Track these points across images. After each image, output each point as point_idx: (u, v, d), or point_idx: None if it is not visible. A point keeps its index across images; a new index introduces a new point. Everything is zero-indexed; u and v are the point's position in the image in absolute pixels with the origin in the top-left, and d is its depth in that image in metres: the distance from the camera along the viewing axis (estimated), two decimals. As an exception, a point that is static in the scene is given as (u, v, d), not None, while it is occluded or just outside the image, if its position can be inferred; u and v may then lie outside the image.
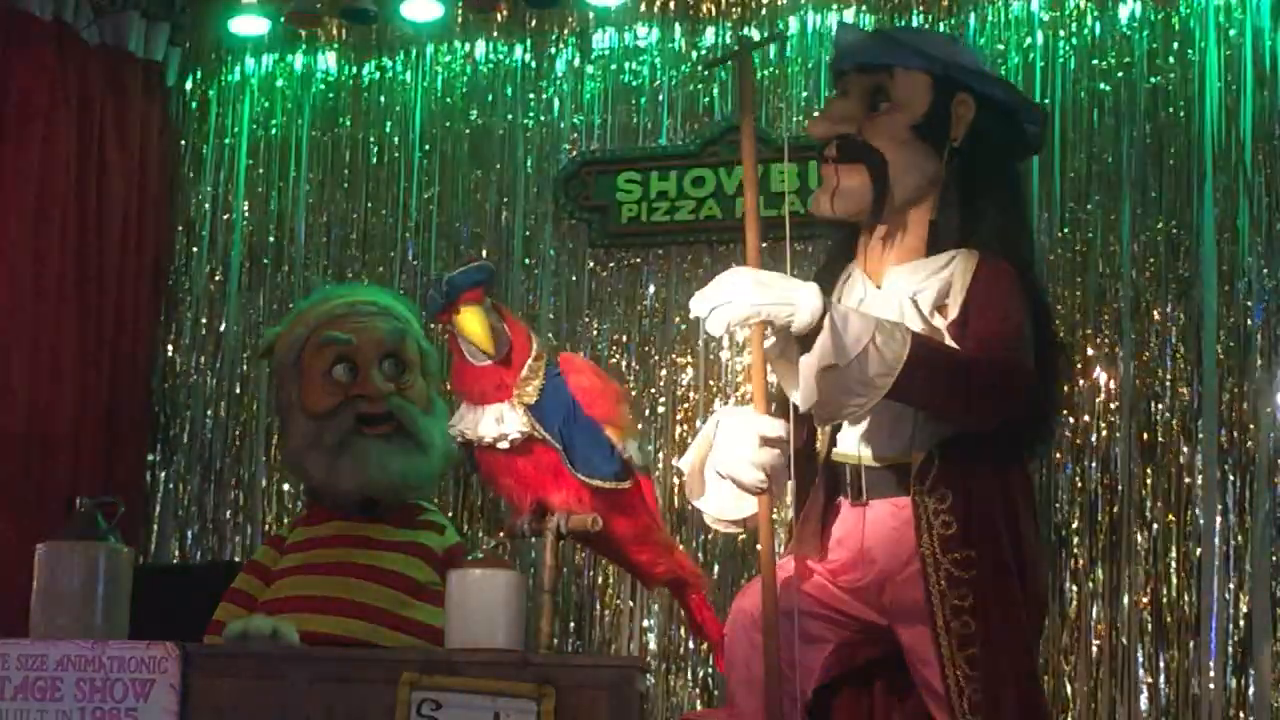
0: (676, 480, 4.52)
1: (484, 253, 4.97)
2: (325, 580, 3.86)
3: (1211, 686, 4.21)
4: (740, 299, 2.95)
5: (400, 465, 3.92)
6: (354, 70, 5.26)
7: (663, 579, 3.70)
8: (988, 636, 3.06)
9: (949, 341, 3.14)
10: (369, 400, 3.96)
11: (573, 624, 4.70)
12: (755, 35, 4.81)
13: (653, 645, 4.53)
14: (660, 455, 4.70)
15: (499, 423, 3.44)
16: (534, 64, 5.11)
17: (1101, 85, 4.57)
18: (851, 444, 3.29)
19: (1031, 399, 3.12)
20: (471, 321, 3.42)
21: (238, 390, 5.15)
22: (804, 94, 4.86)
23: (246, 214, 5.27)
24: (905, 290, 3.24)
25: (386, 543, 3.94)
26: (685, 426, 4.72)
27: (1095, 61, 4.59)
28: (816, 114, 3.47)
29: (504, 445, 3.44)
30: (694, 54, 4.98)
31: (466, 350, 3.47)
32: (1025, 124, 3.40)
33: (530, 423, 3.41)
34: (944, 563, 3.10)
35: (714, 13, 4.98)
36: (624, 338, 4.88)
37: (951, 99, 3.31)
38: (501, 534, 3.56)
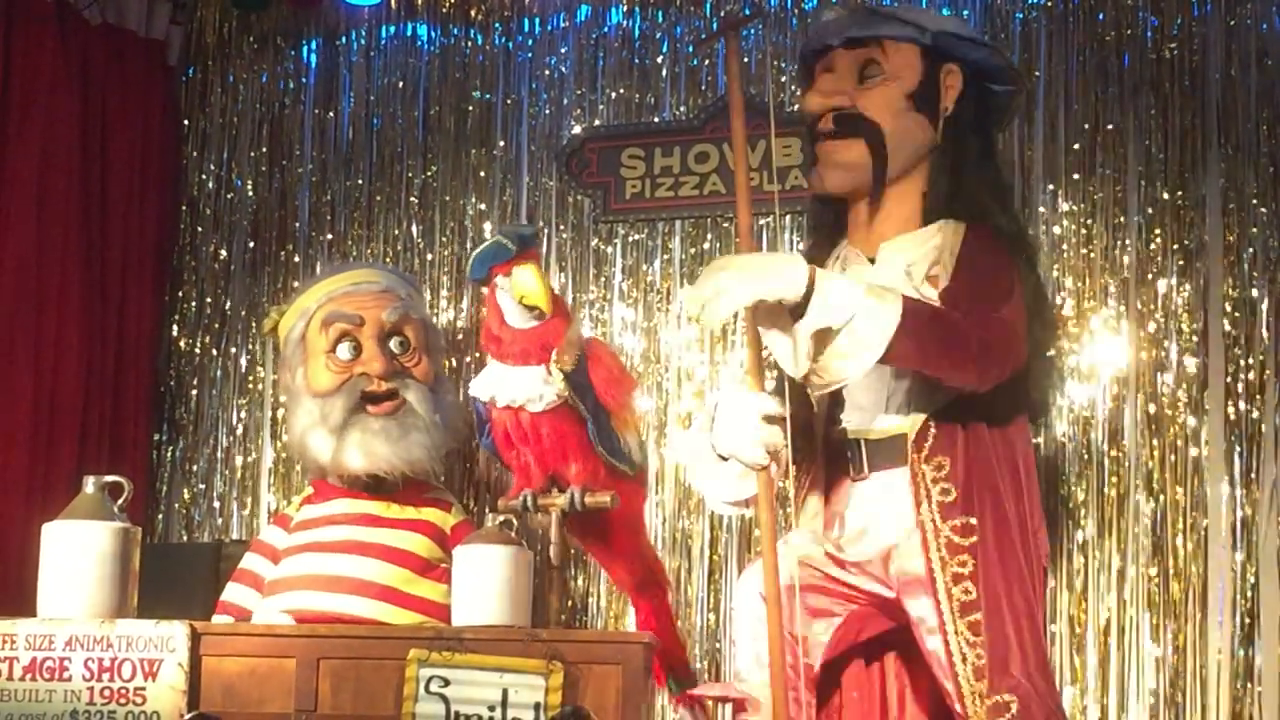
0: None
1: (487, 230, 4.96)
2: (334, 559, 3.86)
3: (1219, 658, 4.21)
4: (729, 289, 2.95)
5: (404, 444, 3.91)
6: (355, 47, 5.24)
7: (641, 572, 3.73)
8: (990, 603, 3.07)
9: None
10: (373, 379, 3.95)
11: (579, 599, 4.70)
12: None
13: (659, 620, 4.52)
14: (668, 430, 4.70)
15: (545, 382, 3.46)
16: (538, 39, 5.09)
17: (1106, 56, 4.55)
18: (849, 418, 3.29)
19: (1021, 359, 3.14)
20: (533, 276, 3.44)
21: (243, 369, 5.15)
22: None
23: (250, 192, 5.26)
24: (900, 263, 3.25)
25: (394, 520, 3.94)
26: (690, 401, 4.71)
27: (1100, 31, 4.56)
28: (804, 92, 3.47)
29: (536, 407, 3.46)
30: (699, 24, 4.96)
31: (513, 308, 3.49)
32: (996, 87, 3.41)
33: (568, 389, 3.44)
34: (944, 530, 3.11)
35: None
36: (628, 315, 4.87)
37: (940, 69, 3.32)
38: (500, 507, 3.56)
